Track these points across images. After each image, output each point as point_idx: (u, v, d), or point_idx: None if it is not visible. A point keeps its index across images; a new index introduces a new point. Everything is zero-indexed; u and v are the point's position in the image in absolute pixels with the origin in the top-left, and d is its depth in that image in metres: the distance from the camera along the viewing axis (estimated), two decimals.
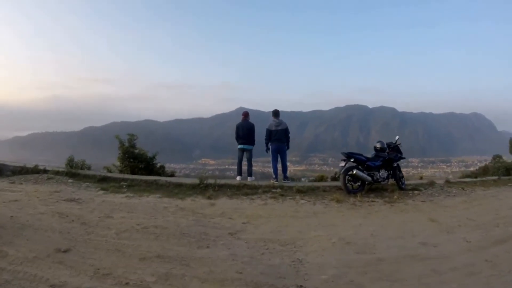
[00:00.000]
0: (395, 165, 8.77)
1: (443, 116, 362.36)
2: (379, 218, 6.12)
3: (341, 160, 8.25)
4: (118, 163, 14.10)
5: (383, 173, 8.46)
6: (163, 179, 8.73)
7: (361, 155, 8.44)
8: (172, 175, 17.31)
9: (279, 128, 9.29)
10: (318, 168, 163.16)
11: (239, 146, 9.70)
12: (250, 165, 9.61)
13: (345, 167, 8.00)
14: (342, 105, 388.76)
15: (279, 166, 9.32)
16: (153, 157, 14.87)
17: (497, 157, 44.55)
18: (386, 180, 8.59)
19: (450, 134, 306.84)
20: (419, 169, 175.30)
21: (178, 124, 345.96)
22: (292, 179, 9.98)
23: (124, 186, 8.24)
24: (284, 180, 9.07)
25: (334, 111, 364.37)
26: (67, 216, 5.51)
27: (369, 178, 8.10)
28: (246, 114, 10.01)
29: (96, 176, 9.08)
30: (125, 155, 13.83)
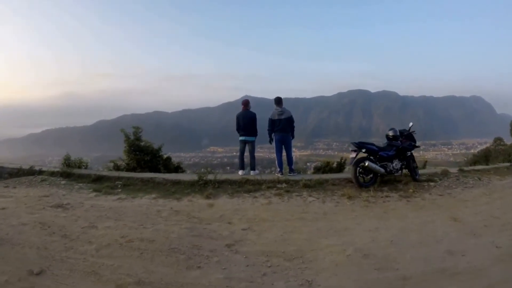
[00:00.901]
0: (409, 154, 7.89)
1: (444, 99, 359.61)
2: (397, 219, 5.27)
3: (351, 150, 7.34)
4: (124, 157, 13.88)
5: (396, 163, 7.57)
6: (160, 176, 7.95)
7: (373, 144, 7.54)
8: (178, 166, 16.76)
9: (282, 117, 8.20)
10: (323, 153, 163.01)
11: (240, 138, 8.63)
12: (252, 158, 8.63)
13: (356, 158, 7.13)
14: (345, 90, 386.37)
15: (284, 158, 8.47)
16: (159, 149, 14.53)
17: (497, 140, 43.45)
18: (400, 171, 7.71)
19: (450, 116, 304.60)
20: (421, 152, 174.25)
21: (186, 114, 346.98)
22: (298, 171, 9.02)
23: (119, 186, 7.51)
24: (290, 173, 8.16)
25: (337, 96, 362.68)
26: (49, 227, 4.81)
27: (382, 170, 7.23)
28: (246, 103, 8.82)
29: (91, 176, 8.36)
30: (131, 148, 13.63)
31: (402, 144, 7.79)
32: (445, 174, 8.62)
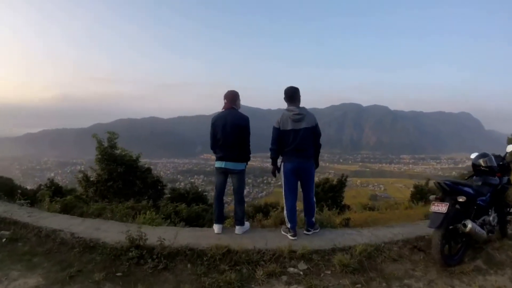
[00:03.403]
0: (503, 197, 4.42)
1: (433, 115, 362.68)
2: None
3: (436, 198, 3.70)
4: (96, 166, 12.33)
5: (493, 217, 4.08)
6: (68, 230, 4.19)
7: (468, 185, 3.92)
8: (157, 180, 13.88)
9: (302, 126, 4.18)
10: None
11: (217, 165, 4.44)
12: (240, 203, 4.41)
13: (446, 213, 3.50)
14: (338, 103, 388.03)
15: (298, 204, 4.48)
16: (137, 159, 12.89)
17: None
18: (494, 229, 4.20)
19: (439, 131, 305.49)
20: (410, 165, 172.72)
21: (182, 120, 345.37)
22: (321, 224, 4.77)
23: (4, 240, 4.01)
24: (309, 230, 4.33)
25: (330, 109, 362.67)
26: None
27: (485, 234, 3.75)
28: (232, 96, 4.42)
29: None
30: (103, 157, 12.15)
31: (501, 181, 4.30)
32: None
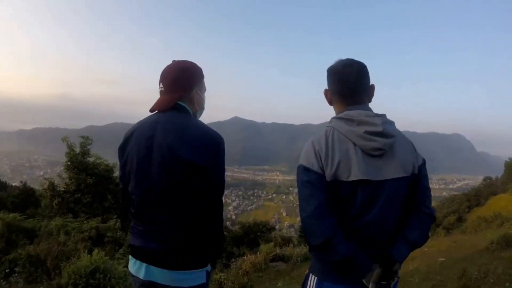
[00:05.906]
0: None
1: (426, 136, 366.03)
2: None
3: None
4: (65, 175, 11.28)
5: None
6: None
7: None
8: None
9: (393, 173, 1.25)
10: None
11: (132, 268, 1.42)
12: None
13: None
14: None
15: None
16: (111, 169, 11.82)
17: (487, 179, 40.31)
18: None
19: (432, 152, 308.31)
20: None
21: None
22: None
23: None
24: None
25: (324, 125, 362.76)
26: None
27: None
28: (177, 74, 1.45)
29: None
30: (73, 165, 11.00)
31: None
32: None
